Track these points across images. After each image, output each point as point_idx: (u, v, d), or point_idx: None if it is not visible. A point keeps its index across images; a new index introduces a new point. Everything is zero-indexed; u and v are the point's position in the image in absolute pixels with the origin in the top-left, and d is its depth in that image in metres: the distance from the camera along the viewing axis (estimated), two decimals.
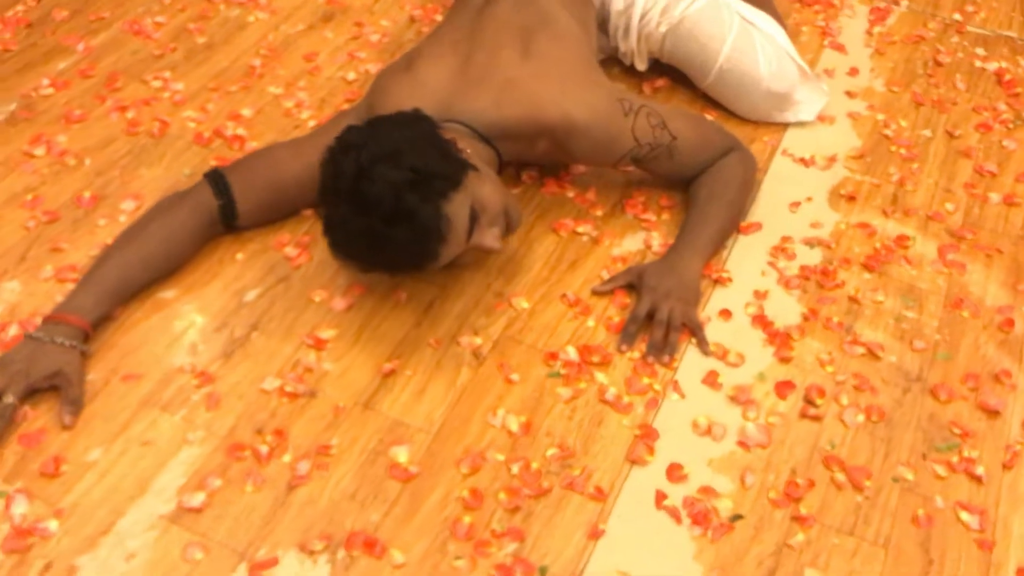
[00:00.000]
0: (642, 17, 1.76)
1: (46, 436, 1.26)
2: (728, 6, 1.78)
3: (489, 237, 1.33)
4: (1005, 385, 1.41)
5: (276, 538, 1.18)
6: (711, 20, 1.75)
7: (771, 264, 1.55)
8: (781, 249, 1.58)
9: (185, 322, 1.41)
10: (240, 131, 1.70)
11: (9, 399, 1.24)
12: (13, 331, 1.37)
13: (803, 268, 1.55)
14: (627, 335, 1.42)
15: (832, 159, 1.74)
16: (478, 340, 1.41)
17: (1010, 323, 1.49)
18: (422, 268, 1.31)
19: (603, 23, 1.81)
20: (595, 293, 1.49)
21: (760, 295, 1.51)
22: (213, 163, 1.63)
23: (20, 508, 1.19)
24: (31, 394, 1.28)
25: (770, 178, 1.70)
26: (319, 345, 1.39)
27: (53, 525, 1.17)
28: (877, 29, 2.04)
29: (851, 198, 1.67)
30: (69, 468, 1.23)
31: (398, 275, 1.44)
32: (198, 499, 1.21)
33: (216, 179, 1.45)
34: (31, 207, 1.55)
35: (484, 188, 1.32)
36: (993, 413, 1.37)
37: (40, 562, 1.15)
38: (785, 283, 1.53)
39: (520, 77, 1.46)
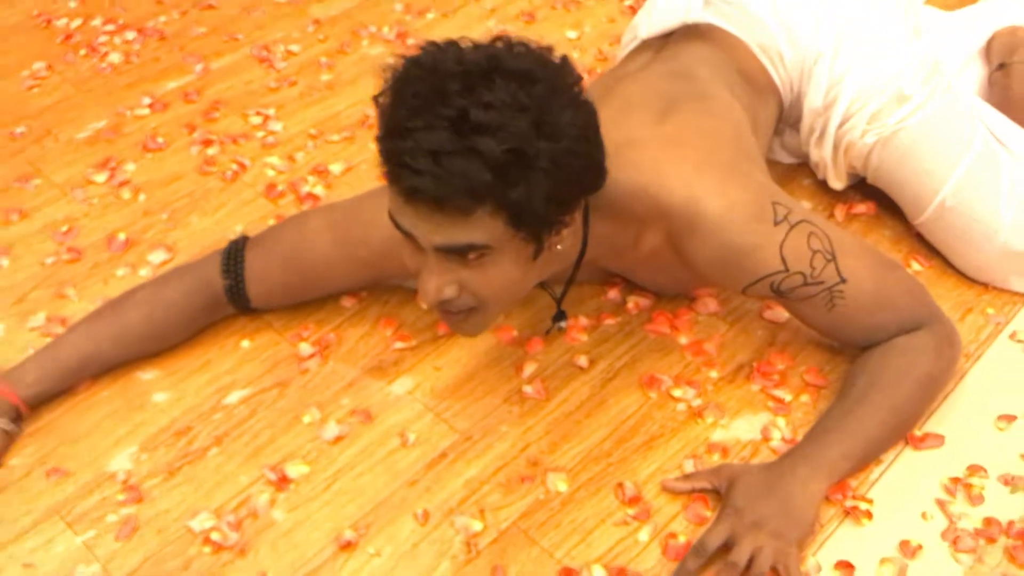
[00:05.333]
0: (843, 122, 1.30)
1: None
2: (973, 120, 1.29)
3: (431, 284, 0.93)
4: None
5: None
6: (941, 137, 1.26)
7: (941, 504, 1.05)
8: (965, 484, 1.07)
9: (146, 416, 1.15)
10: (318, 189, 1.44)
11: None
12: None
13: (989, 522, 1.03)
14: (685, 571, 0.99)
15: None
16: (478, 525, 1.04)
17: None
18: (395, 162, 0.87)
19: (796, 121, 1.38)
20: (666, 490, 1.07)
21: (909, 550, 1.01)
22: (273, 222, 1.37)
23: None
24: None
25: (981, 369, 1.19)
26: (281, 484, 1.08)
27: None
28: None
29: None
30: None
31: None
32: None
33: (232, 253, 1.19)
34: (61, 239, 1.37)
35: (507, 261, 0.94)
36: None
37: None
38: (954, 540, 1.02)
39: (646, 139, 1.08)
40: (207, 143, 1.52)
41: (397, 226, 0.93)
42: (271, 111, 1.58)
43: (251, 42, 1.74)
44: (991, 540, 1.02)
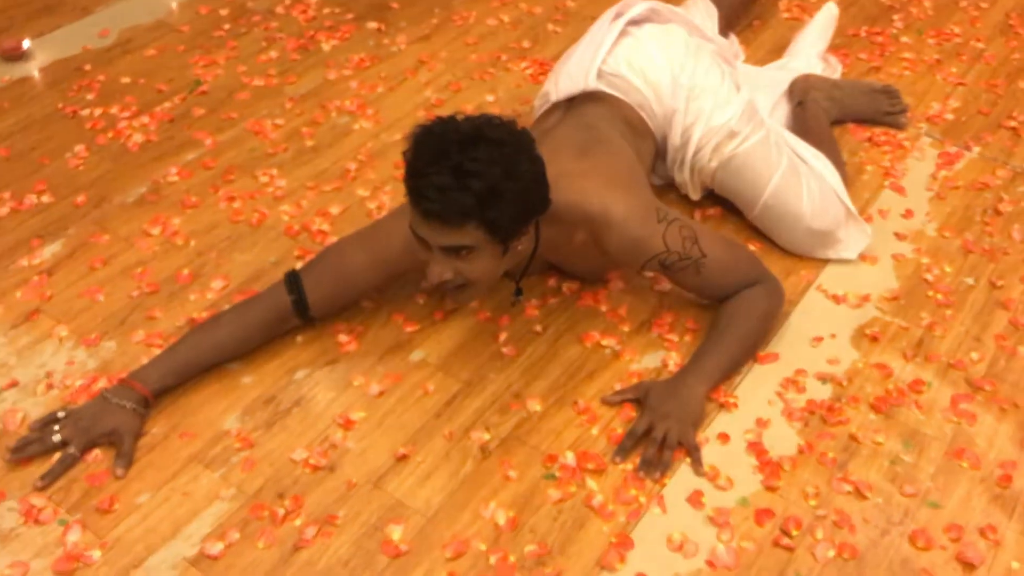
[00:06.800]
0: (696, 152, 1.89)
1: (108, 477, 1.49)
2: (780, 145, 1.89)
3: (435, 270, 1.45)
4: (989, 540, 1.44)
5: None
6: (760, 159, 1.86)
7: (779, 395, 1.64)
8: (793, 381, 1.66)
9: (240, 392, 1.63)
10: (324, 227, 1.94)
11: (71, 450, 1.49)
12: (102, 383, 1.63)
13: (810, 402, 1.62)
14: (623, 448, 1.54)
15: (865, 298, 1.81)
16: (487, 436, 1.56)
17: (1008, 479, 1.51)
18: (419, 190, 1.39)
19: (664, 155, 1.96)
20: (604, 403, 1.62)
21: (762, 423, 1.59)
22: (297, 254, 1.87)
23: (74, 536, 1.42)
24: (91, 447, 1.52)
25: (799, 312, 1.78)
26: (347, 425, 1.58)
27: (96, 555, 1.40)
28: (943, 173, 2.10)
29: (874, 339, 1.73)
30: (120, 507, 1.46)
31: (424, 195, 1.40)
32: (217, 548, 1.41)
33: (291, 278, 1.66)
34: (139, 279, 1.83)
35: (486, 256, 1.45)
36: (969, 566, 1.41)
37: None
38: (788, 414, 1.61)
39: (572, 172, 1.61)
40: (231, 199, 2.00)
41: (414, 233, 1.45)
42: (274, 171, 2.07)
43: (244, 118, 2.23)
44: (812, 413, 1.61)
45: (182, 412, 1.60)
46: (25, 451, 1.51)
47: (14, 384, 1.63)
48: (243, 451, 1.54)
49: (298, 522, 1.44)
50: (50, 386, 1.63)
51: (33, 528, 1.43)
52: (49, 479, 1.48)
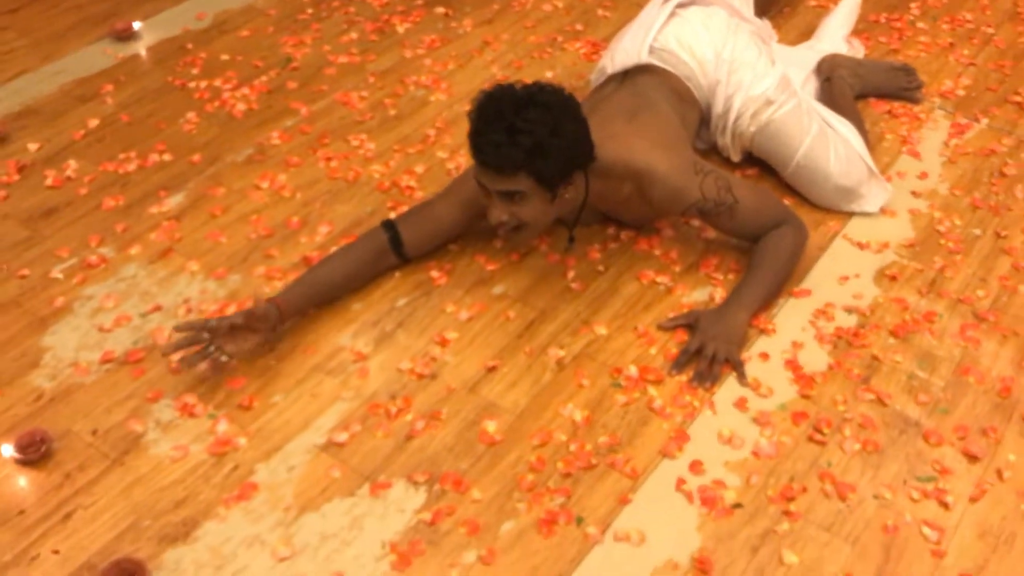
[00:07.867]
0: (736, 119, 2.16)
1: (246, 381, 1.78)
2: (811, 113, 2.16)
3: (494, 213, 1.74)
4: (990, 438, 1.70)
5: (392, 470, 1.64)
6: (793, 124, 2.13)
7: (812, 323, 1.91)
8: (823, 312, 1.93)
9: (351, 315, 1.91)
10: (411, 183, 2.22)
11: (211, 323, 1.70)
12: (232, 309, 1.91)
13: (838, 329, 1.89)
14: (678, 363, 1.81)
15: (885, 245, 2.07)
16: (562, 353, 1.84)
17: (1007, 391, 1.78)
18: (481, 147, 1.67)
19: (708, 121, 2.23)
20: (660, 328, 1.90)
21: (796, 345, 1.86)
22: (390, 206, 2.15)
23: (222, 427, 1.70)
24: (231, 330, 1.73)
25: (827, 256, 2.05)
26: (444, 343, 1.86)
27: (243, 441, 1.68)
28: (954, 141, 2.36)
29: (893, 278, 2.00)
30: (258, 404, 1.74)
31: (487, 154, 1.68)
32: (343, 437, 1.69)
33: (388, 222, 1.95)
34: (254, 224, 2.11)
35: (537, 201, 1.72)
36: (973, 458, 1.67)
37: (231, 464, 1.65)
38: (819, 338, 1.88)
39: (622, 133, 1.89)
40: (328, 159, 2.28)
41: (478, 181, 1.74)
42: (363, 136, 2.36)
43: (333, 91, 2.51)
44: (840, 337, 1.88)
45: (303, 331, 1.88)
46: (181, 327, 1.71)
47: (158, 308, 1.92)
48: (358, 362, 1.82)
49: (408, 417, 1.73)
50: (188, 310, 1.92)
51: (188, 420, 1.72)
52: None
